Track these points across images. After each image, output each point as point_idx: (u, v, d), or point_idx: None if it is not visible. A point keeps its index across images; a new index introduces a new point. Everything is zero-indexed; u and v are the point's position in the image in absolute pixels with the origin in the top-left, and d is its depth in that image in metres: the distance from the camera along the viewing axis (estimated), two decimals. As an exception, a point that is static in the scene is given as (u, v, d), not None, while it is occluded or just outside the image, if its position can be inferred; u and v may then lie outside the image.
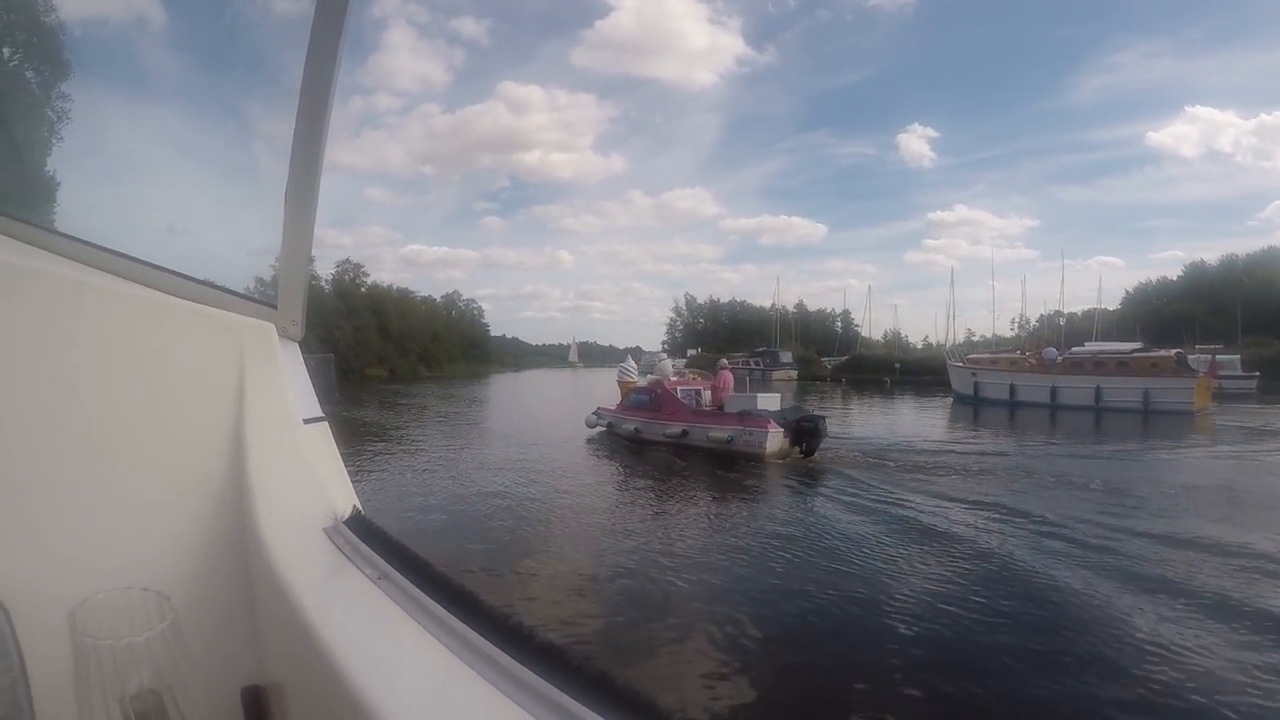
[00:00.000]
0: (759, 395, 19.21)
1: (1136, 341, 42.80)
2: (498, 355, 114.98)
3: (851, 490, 13.74)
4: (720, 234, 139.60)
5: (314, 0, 1.55)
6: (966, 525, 11.06)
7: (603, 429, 22.72)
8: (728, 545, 10.34)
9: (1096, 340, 48.53)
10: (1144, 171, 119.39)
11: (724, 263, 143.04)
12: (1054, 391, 36.79)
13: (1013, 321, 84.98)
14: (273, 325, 1.91)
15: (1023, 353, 43.81)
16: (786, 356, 79.93)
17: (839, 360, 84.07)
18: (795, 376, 74.09)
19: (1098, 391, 35.09)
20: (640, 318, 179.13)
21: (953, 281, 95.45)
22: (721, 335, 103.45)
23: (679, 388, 20.92)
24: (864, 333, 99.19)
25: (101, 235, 2.16)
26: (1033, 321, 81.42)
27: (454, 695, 0.94)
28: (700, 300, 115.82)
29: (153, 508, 1.62)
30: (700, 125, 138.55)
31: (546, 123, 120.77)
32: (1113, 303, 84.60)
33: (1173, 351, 37.20)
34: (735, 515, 12.33)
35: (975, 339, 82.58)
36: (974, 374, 42.06)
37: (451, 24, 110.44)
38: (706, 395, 20.63)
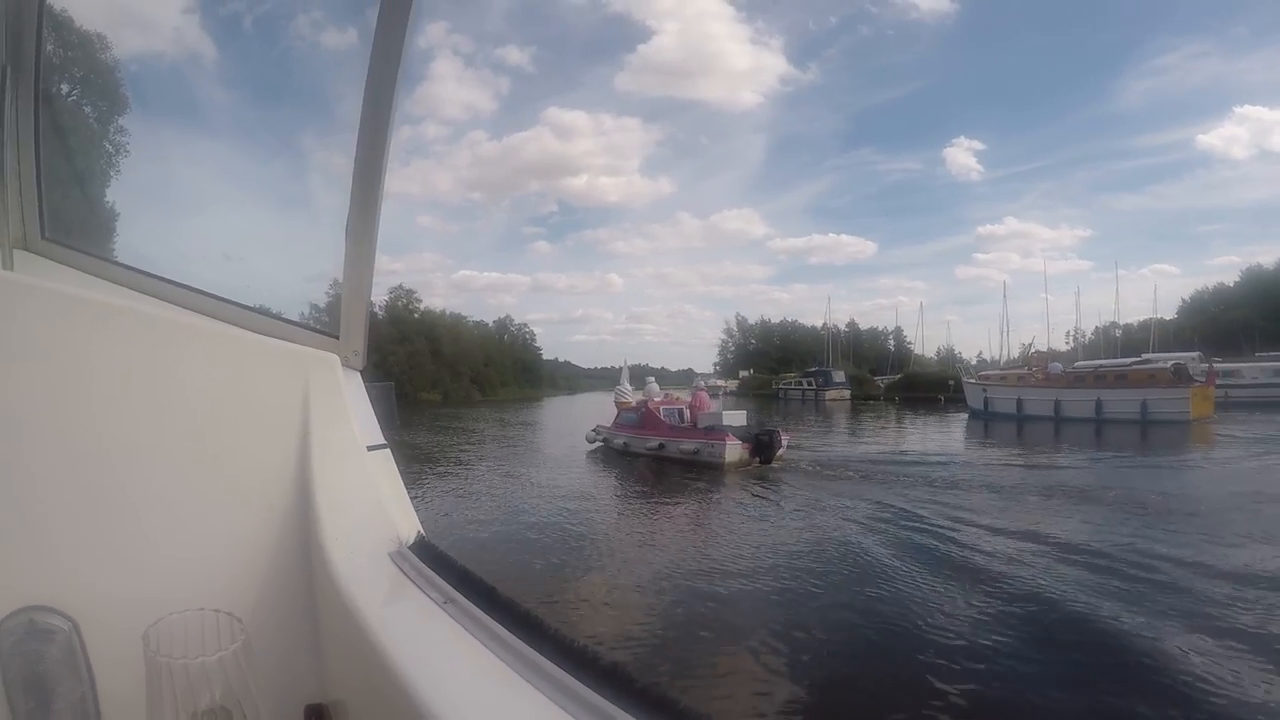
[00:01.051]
0: (725, 412, 22.71)
1: (1195, 352, 42.68)
2: (550, 379, 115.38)
3: (791, 494, 16.52)
4: (769, 254, 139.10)
5: (367, 41, 1.61)
6: (860, 524, 13.06)
7: (600, 444, 25.88)
8: (714, 546, 12.08)
9: (1153, 352, 48.72)
10: (1195, 175, 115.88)
11: (774, 283, 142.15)
12: (1058, 405, 37.93)
13: (1068, 335, 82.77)
14: (336, 356, 1.96)
15: (1029, 368, 44.99)
16: (839, 376, 79.14)
17: (892, 379, 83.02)
18: (848, 396, 73.31)
19: (1098, 404, 36.21)
20: (691, 339, 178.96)
21: (1005, 296, 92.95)
22: (773, 356, 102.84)
23: (663, 407, 24.08)
24: (917, 350, 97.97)
25: (162, 266, 2.24)
26: (1088, 334, 79.56)
27: (519, 717, 0.94)
28: (751, 321, 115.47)
29: (223, 533, 1.67)
30: (746, 146, 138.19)
31: (593, 147, 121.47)
32: (1169, 312, 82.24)
33: (1170, 363, 38.06)
34: (706, 516, 15.35)
35: (1030, 353, 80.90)
36: (984, 390, 43.68)
37: (496, 53, 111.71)
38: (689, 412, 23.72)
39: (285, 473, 1.74)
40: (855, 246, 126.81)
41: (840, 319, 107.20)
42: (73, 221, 3.20)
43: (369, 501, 1.70)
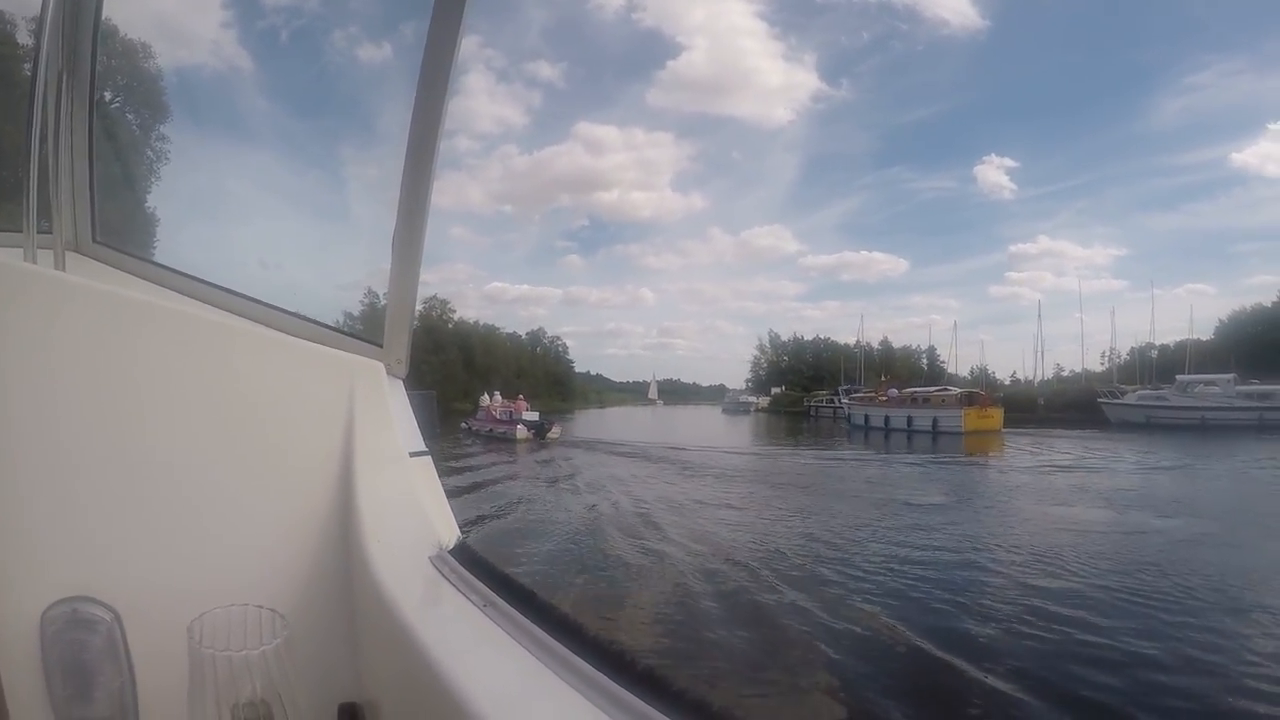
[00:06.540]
0: (525, 413, 40.30)
1: (1231, 373, 46.21)
2: (582, 392, 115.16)
3: (545, 455, 31.47)
4: (801, 271, 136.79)
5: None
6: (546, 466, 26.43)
7: (465, 428, 41.86)
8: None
9: (1189, 373, 52.76)
10: (1230, 194, 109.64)
11: (806, 300, 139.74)
12: (887, 419, 50.39)
13: (1103, 355, 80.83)
14: (381, 364, 2.00)
15: (875, 392, 59.82)
16: (870, 394, 78.25)
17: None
18: (880, 415, 72.54)
19: (909, 419, 48.45)
20: (723, 354, 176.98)
21: (1040, 315, 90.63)
22: (805, 373, 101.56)
23: (498, 409, 41.64)
24: (950, 369, 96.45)
25: (202, 270, 2.30)
26: (1123, 355, 77.79)
27: (557, 717, 0.95)
28: (784, 338, 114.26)
29: (267, 532, 1.70)
30: (779, 163, 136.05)
31: (624, 162, 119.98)
32: (1206, 332, 78.72)
33: (957, 391, 51.46)
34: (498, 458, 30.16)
35: (1065, 373, 79.40)
36: (849, 407, 60.35)
37: (529, 68, 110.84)
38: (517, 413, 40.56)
39: (329, 476, 1.77)
40: (887, 264, 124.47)
41: (873, 337, 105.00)
42: (118, 225, 3.25)
43: (410, 506, 1.73)
